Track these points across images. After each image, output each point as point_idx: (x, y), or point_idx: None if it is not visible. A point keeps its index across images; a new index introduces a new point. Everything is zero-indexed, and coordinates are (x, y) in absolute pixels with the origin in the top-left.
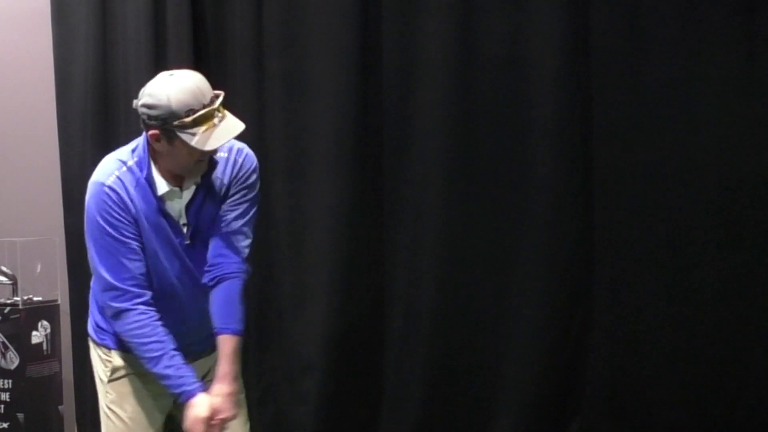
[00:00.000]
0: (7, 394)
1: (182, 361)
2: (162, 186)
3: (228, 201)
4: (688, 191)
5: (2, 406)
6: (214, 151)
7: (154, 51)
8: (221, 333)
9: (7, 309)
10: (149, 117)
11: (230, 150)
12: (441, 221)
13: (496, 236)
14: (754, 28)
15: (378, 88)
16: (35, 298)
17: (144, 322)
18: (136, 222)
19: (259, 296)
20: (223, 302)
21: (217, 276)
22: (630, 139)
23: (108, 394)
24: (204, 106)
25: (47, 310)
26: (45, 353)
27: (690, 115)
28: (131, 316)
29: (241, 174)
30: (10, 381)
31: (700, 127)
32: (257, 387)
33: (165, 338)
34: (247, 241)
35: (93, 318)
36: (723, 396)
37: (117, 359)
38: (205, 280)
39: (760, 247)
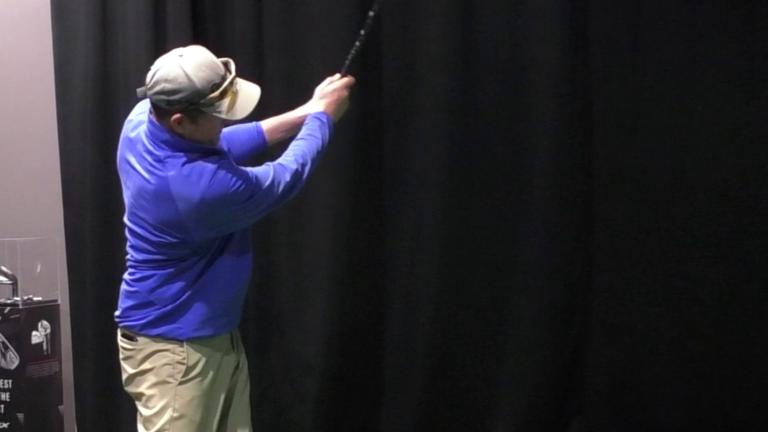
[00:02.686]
0: (7, 394)
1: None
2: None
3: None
4: (689, 191)
5: (2, 406)
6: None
7: (154, 51)
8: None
9: (7, 309)
10: (170, 102)
11: None
12: (441, 221)
13: (496, 236)
14: (754, 28)
15: (378, 88)
16: (35, 298)
17: (285, 155)
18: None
19: (259, 296)
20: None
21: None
22: (630, 139)
23: (178, 397)
24: (223, 77)
25: (47, 310)
26: (45, 353)
27: (690, 115)
28: (289, 162)
29: None
30: (10, 381)
31: (700, 127)
32: (257, 387)
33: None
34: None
35: (155, 313)
36: (723, 396)
37: (192, 356)
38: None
39: (760, 247)
